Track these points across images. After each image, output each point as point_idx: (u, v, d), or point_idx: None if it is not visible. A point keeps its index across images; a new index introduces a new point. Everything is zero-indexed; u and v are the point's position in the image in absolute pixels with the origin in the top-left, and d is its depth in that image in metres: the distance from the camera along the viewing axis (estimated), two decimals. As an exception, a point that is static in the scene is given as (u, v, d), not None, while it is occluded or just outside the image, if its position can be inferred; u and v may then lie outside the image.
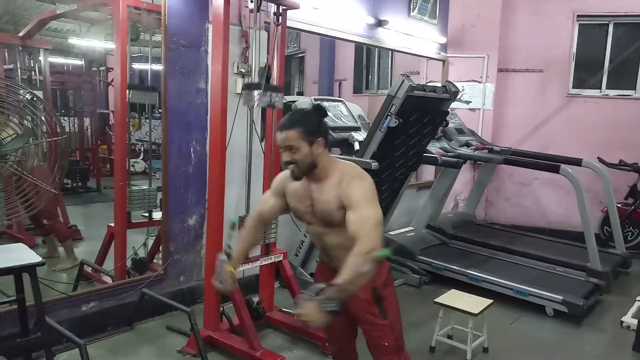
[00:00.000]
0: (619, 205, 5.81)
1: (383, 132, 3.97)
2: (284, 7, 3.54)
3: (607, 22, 6.55)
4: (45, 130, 2.94)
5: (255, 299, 3.76)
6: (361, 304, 2.16)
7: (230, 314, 3.49)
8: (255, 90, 3.27)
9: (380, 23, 5.39)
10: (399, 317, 2.27)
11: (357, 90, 9.00)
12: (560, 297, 4.14)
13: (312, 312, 1.71)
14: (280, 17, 3.52)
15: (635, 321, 3.86)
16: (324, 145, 2.06)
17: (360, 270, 1.78)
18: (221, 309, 3.50)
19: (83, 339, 2.77)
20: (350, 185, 2.00)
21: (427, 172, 6.80)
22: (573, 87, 6.71)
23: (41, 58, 5.25)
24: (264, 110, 3.79)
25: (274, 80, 3.52)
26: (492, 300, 3.53)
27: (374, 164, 3.94)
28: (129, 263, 4.01)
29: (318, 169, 2.07)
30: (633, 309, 4.25)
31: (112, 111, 7.02)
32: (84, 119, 7.49)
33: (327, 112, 2.20)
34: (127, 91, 3.91)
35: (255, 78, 3.62)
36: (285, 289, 4.09)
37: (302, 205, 2.17)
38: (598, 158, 5.91)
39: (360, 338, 2.37)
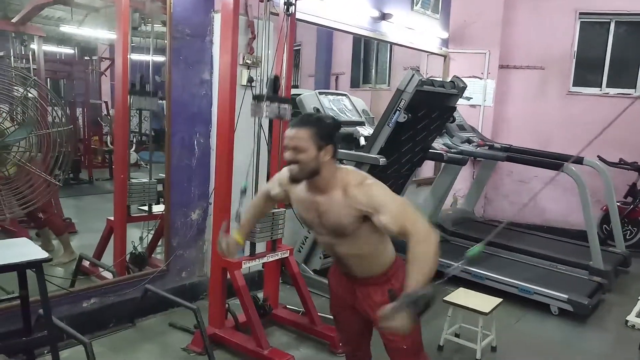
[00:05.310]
0: (618, 204, 5.80)
1: (391, 128, 3.90)
2: (295, -3, 3.44)
3: (609, 20, 6.53)
4: (51, 121, 2.82)
5: (260, 295, 3.69)
6: (378, 308, 2.09)
7: (235, 311, 3.42)
8: (265, 102, 3.19)
9: (384, 16, 5.32)
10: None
11: (354, 84, 8.91)
12: (566, 296, 4.12)
13: (403, 321, 1.70)
14: (290, 7, 3.42)
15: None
16: (332, 154, 1.95)
17: (428, 259, 1.78)
18: (226, 305, 3.42)
19: (84, 336, 2.68)
20: (362, 192, 1.90)
21: (426, 169, 6.75)
22: (573, 85, 6.70)
23: (35, 46, 5.08)
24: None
25: (283, 85, 3.44)
26: (501, 299, 3.50)
27: (382, 160, 3.88)
28: (127, 257, 3.91)
29: (319, 178, 1.96)
30: (637, 308, 4.23)
31: (105, 102, 6.91)
32: (76, 109, 7.31)
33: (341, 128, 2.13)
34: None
35: (263, 76, 3.53)
36: (287, 286, 4.03)
37: (309, 216, 2.09)
38: (598, 156, 5.90)
39: (378, 340, 2.28)
